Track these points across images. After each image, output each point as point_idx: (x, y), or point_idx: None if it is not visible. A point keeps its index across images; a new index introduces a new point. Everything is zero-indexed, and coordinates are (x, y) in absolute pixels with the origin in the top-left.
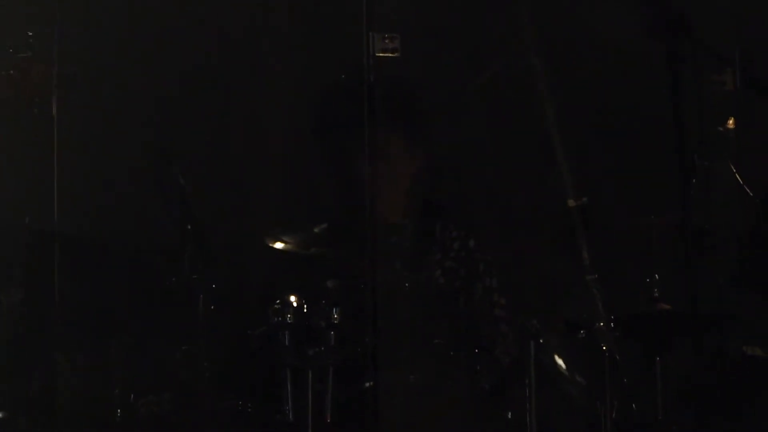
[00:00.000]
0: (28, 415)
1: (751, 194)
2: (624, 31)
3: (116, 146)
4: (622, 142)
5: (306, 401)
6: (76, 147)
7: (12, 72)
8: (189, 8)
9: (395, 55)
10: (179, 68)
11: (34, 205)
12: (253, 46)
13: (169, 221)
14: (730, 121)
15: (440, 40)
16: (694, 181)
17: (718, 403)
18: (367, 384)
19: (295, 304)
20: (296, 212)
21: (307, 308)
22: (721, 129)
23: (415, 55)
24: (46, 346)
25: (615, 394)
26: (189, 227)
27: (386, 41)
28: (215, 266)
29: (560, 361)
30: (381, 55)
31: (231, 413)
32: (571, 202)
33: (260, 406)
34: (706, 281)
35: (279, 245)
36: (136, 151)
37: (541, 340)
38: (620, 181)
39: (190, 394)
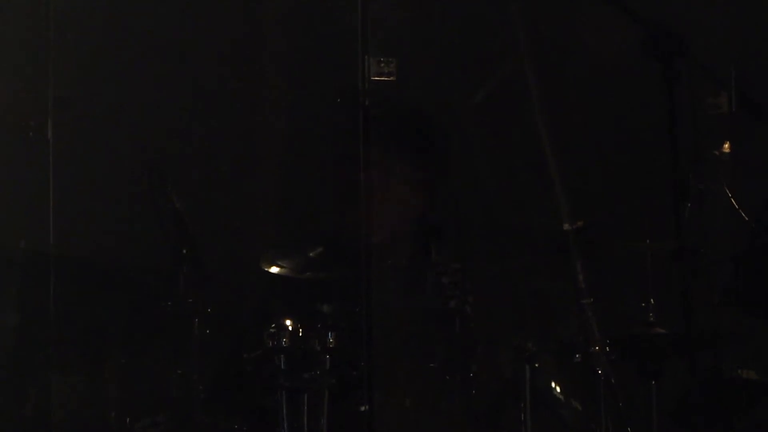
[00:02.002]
0: None
1: (746, 218)
2: (620, 53)
3: (112, 168)
4: (617, 164)
5: (301, 425)
6: (72, 169)
7: (7, 94)
8: (184, 30)
9: (391, 78)
10: (175, 90)
11: (29, 227)
12: (248, 69)
13: (164, 244)
14: (726, 145)
15: (436, 62)
16: (689, 204)
17: (714, 427)
18: (363, 407)
19: (290, 328)
20: (291, 236)
21: (302, 332)
22: (716, 152)
23: (411, 78)
24: (42, 368)
25: (610, 418)
26: (184, 250)
27: (382, 65)
28: (210, 289)
29: (555, 385)
30: (377, 78)
31: None
32: (566, 226)
33: (255, 430)
34: (701, 304)
35: (274, 269)
36: (131, 173)
37: (536, 364)
38: (615, 204)
39: (186, 417)
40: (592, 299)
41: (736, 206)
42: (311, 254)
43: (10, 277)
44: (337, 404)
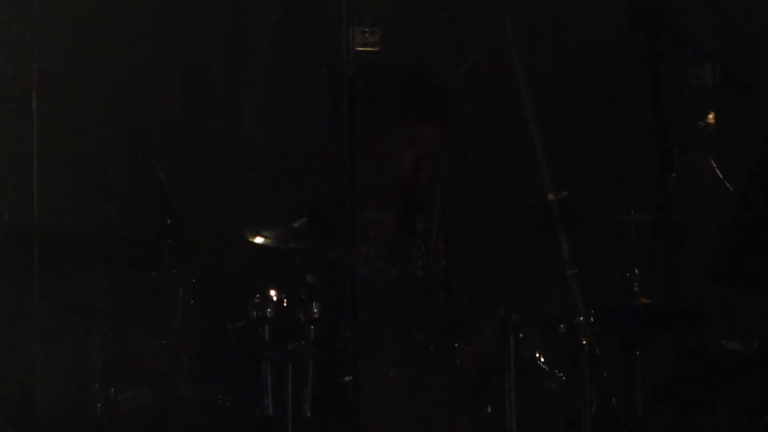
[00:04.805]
0: (6, 410)
1: (731, 189)
2: (604, 25)
3: (96, 140)
4: (602, 136)
5: (285, 395)
6: (56, 141)
7: None
8: (170, 5)
9: (375, 49)
10: (159, 63)
11: (13, 200)
12: (232, 41)
13: (148, 215)
14: (710, 116)
15: (419, 34)
16: (673, 175)
17: (698, 398)
18: (347, 378)
19: (274, 299)
20: (276, 206)
21: (286, 302)
22: (701, 123)
23: (394, 49)
24: (25, 341)
25: (594, 389)
26: (169, 221)
27: (366, 35)
28: (195, 260)
29: (539, 356)
30: (361, 49)
31: (210, 407)
32: (551, 197)
33: (240, 400)
34: (686, 276)
35: (259, 239)
36: (115, 145)
37: (520, 335)
38: (600, 176)
39: (170, 388)
40: (576, 270)
41: (721, 177)
42: (295, 224)
43: None
44: (321, 375)
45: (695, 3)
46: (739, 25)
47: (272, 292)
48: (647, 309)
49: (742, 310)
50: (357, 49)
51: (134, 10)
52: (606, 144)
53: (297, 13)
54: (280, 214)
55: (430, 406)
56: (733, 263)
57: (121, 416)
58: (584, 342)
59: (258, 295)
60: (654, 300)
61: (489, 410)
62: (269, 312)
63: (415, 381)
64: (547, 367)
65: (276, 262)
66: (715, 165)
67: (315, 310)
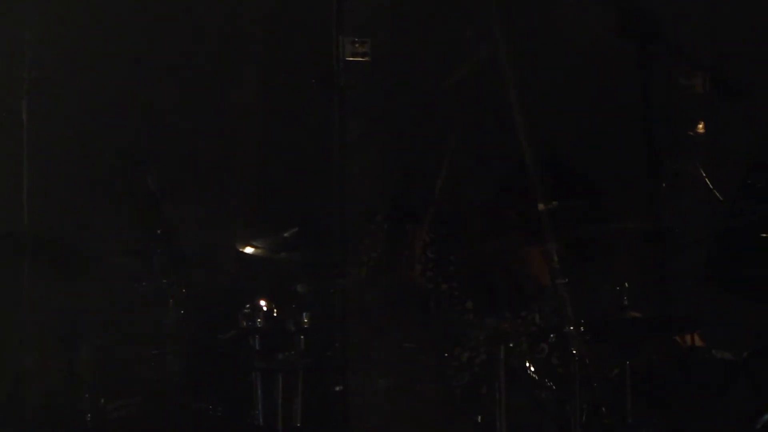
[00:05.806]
0: None
1: (721, 198)
2: (595, 34)
3: (87, 150)
4: (593, 145)
5: (276, 405)
6: (47, 150)
7: None
8: (160, 15)
9: (365, 59)
10: (150, 73)
11: (4, 208)
12: (223, 51)
13: (139, 225)
14: (700, 125)
15: (409, 44)
16: (663, 185)
17: (688, 407)
18: (337, 388)
19: (265, 308)
20: (267, 216)
21: (277, 312)
22: (691, 133)
23: (384, 59)
24: (15, 350)
25: (585, 398)
26: (159, 231)
27: (356, 45)
28: (185, 270)
29: (530, 365)
30: (351, 59)
31: (201, 417)
32: (541, 206)
33: (230, 410)
34: (676, 284)
35: (249, 249)
36: (106, 154)
37: (511, 344)
38: (590, 185)
39: (160, 398)
40: (566, 280)
41: (711, 187)
42: (286, 234)
43: None
44: (311, 385)
45: (685, 11)
46: (729, 33)
47: (262, 302)
48: (637, 319)
49: (732, 318)
50: (347, 59)
51: (126, 20)
52: (596, 153)
53: (288, 23)
54: (271, 224)
55: (420, 415)
56: (723, 271)
57: (111, 426)
58: (575, 351)
59: (248, 305)
60: (644, 312)
61: (479, 419)
62: (259, 322)
63: (405, 390)
64: (537, 376)
65: (266, 272)
66: (704, 174)
67: (305, 320)
